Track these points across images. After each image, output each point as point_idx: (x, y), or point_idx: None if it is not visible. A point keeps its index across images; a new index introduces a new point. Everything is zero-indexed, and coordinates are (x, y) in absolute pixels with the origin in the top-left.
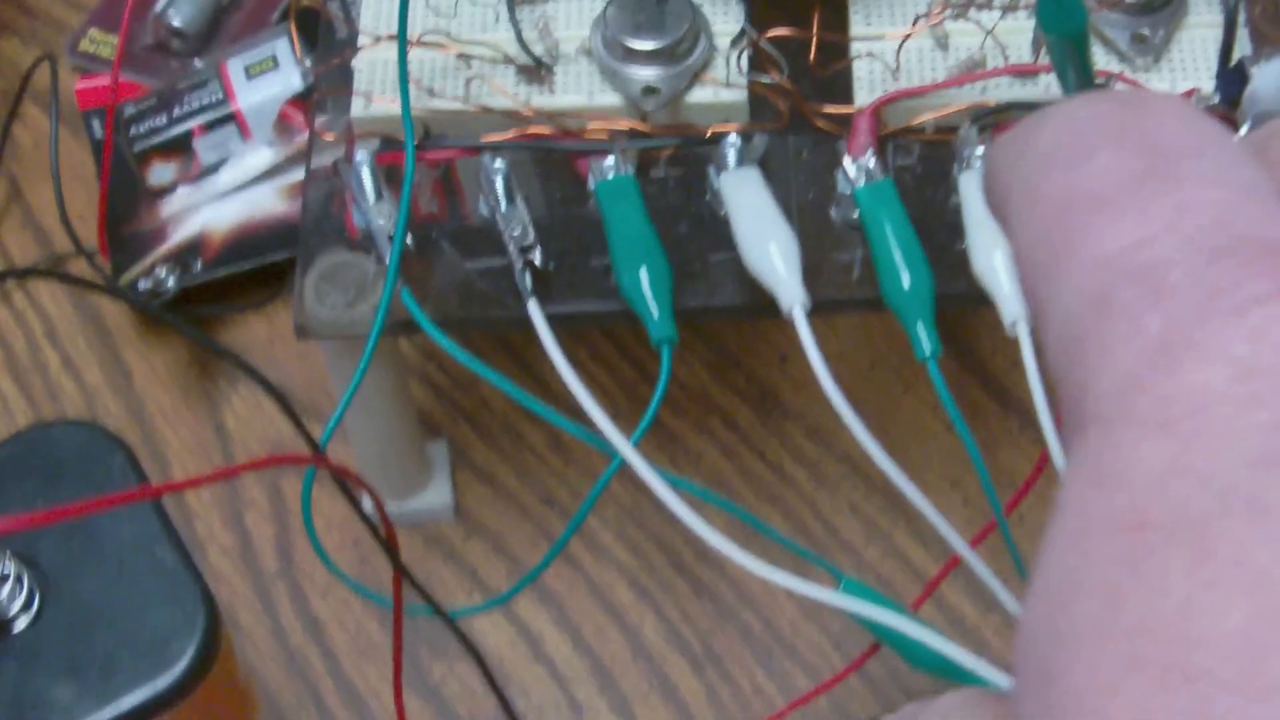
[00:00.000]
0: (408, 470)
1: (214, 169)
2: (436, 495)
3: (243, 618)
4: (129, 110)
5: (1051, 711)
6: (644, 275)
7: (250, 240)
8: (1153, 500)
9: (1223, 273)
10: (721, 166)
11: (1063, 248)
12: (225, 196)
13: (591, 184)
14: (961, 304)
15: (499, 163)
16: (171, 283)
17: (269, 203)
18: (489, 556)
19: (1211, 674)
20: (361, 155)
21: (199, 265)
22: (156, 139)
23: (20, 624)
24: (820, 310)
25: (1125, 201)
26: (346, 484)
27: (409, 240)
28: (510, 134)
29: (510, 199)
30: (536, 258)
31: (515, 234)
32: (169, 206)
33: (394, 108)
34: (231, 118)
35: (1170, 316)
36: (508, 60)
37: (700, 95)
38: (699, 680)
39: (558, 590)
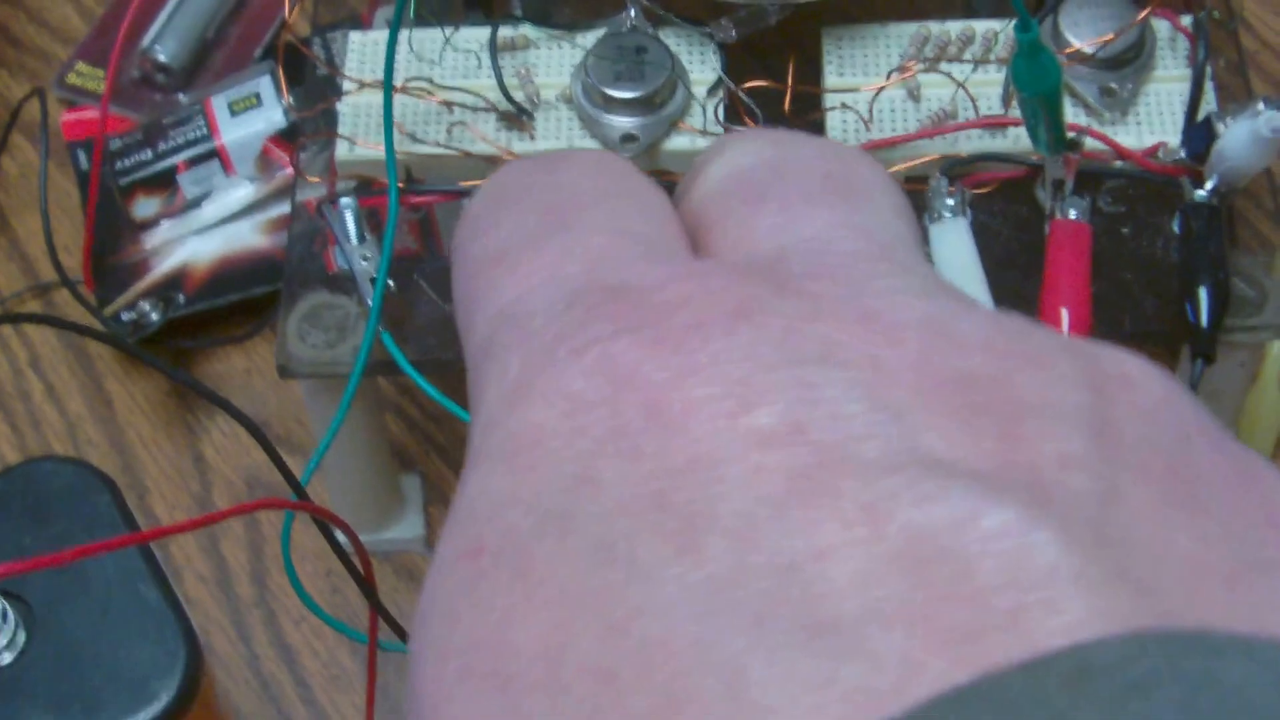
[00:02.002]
0: (382, 503)
1: (197, 203)
2: (409, 528)
3: (218, 644)
4: (115, 144)
5: None
6: None
7: (232, 274)
8: (488, 528)
9: (573, 317)
10: None
11: (471, 302)
12: (208, 231)
13: None
14: None
15: None
16: (155, 316)
17: (250, 237)
18: None
19: (521, 678)
20: (346, 199)
21: (182, 299)
22: (141, 173)
23: (5, 658)
24: None
25: (518, 257)
26: (325, 523)
27: (391, 282)
28: None
29: None
30: None
31: None
32: (153, 239)
33: (377, 151)
34: (215, 153)
35: (525, 360)
36: (489, 107)
37: (678, 143)
38: None
39: None
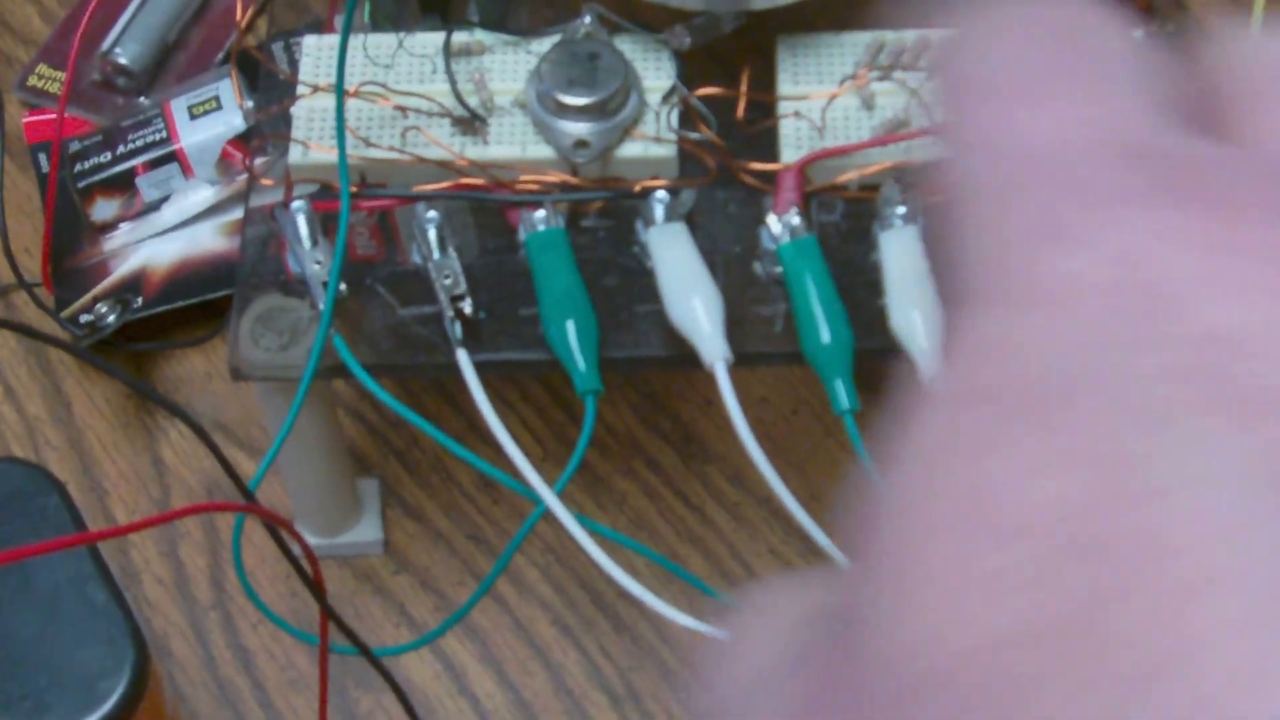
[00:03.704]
0: (339, 507)
1: (156, 206)
2: (367, 531)
3: (175, 647)
4: (74, 146)
5: (871, 572)
6: (571, 328)
7: (190, 277)
8: (1008, 372)
9: (1117, 173)
10: (649, 221)
11: (971, 134)
12: (166, 234)
13: (522, 235)
14: (881, 358)
15: (432, 212)
16: (112, 319)
17: (209, 241)
18: (416, 591)
19: (1032, 532)
20: (298, 203)
21: (139, 301)
22: (100, 175)
23: None
24: (742, 363)
25: (1036, 93)
26: (276, 528)
27: (343, 286)
28: (444, 184)
29: (442, 248)
30: (467, 307)
31: (446, 283)
32: (111, 242)
33: (331, 156)
34: (174, 156)
35: (1057, 206)
36: (444, 112)
37: (631, 150)
38: (618, 716)
39: (483, 626)
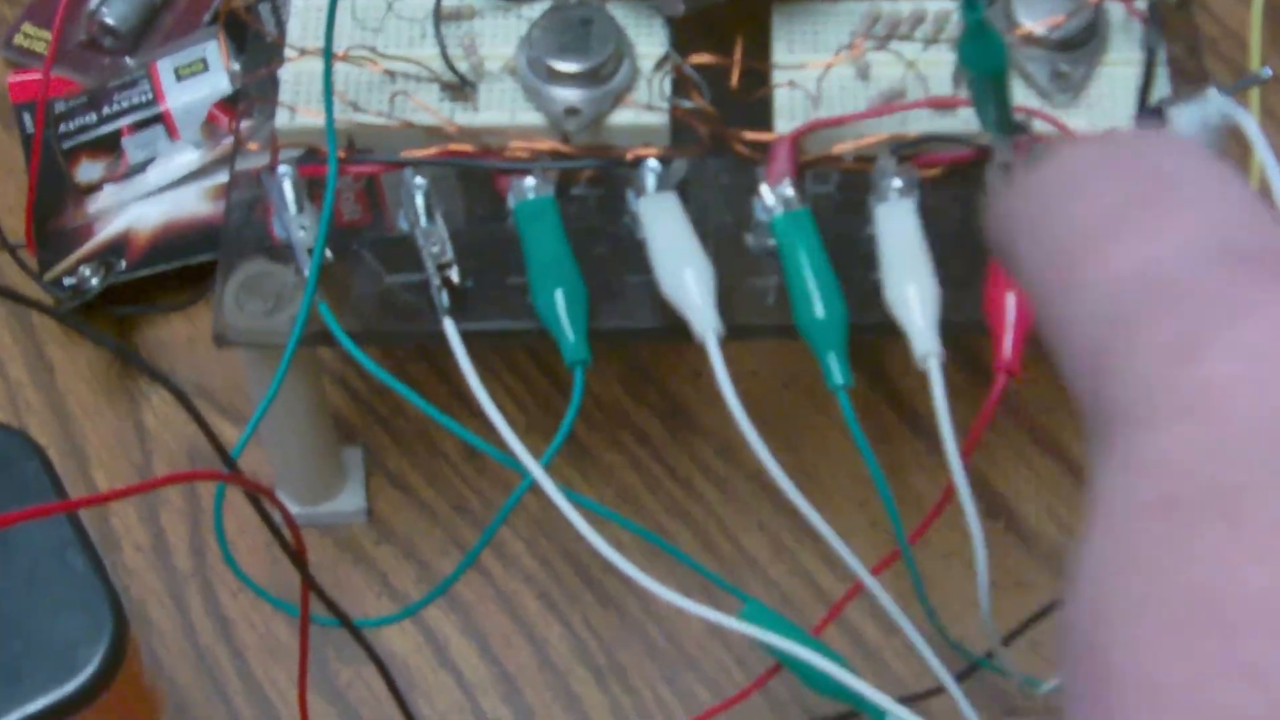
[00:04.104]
0: (323, 475)
1: (141, 168)
2: (350, 500)
3: (154, 615)
4: (59, 107)
5: (1097, 682)
6: (559, 298)
7: (175, 241)
8: (1184, 480)
9: (1228, 279)
10: (640, 190)
11: (1076, 271)
12: (151, 196)
13: (511, 203)
14: (875, 334)
15: (419, 179)
16: (95, 282)
17: (194, 204)
18: (399, 561)
19: (1245, 624)
20: (284, 167)
21: (123, 265)
22: (85, 136)
23: None
24: (734, 336)
25: (1131, 223)
26: (257, 497)
27: (329, 252)
28: (432, 150)
29: (430, 215)
30: (454, 275)
31: (433, 250)
32: (96, 204)
33: (318, 120)
34: (160, 118)
35: (1184, 320)
36: (433, 77)
37: (622, 117)
38: (603, 692)
39: (466, 598)
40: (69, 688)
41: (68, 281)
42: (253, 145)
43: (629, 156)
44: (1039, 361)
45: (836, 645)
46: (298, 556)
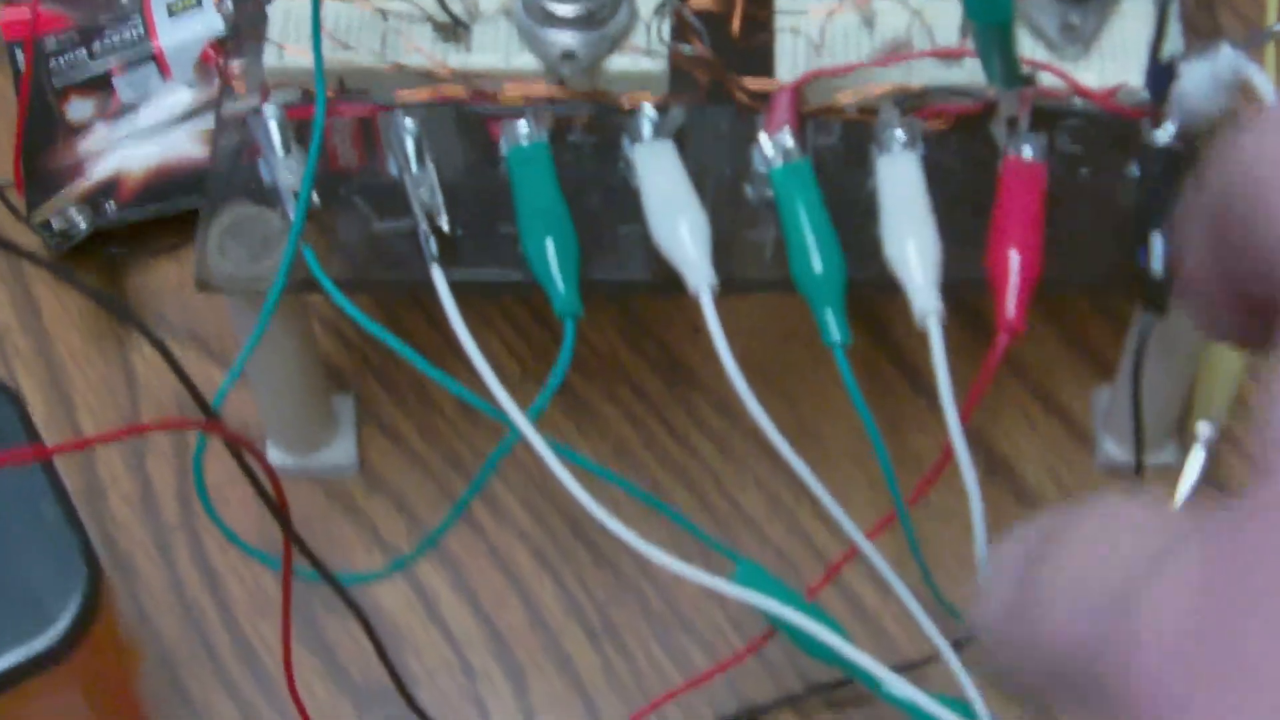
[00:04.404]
0: (312, 424)
1: (133, 108)
2: (341, 451)
3: (141, 566)
4: (50, 44)
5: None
6: (550, 247)
7: (166, 184)
8: None
9: None
10: (636, 138)
11: None
12: (142, 137)
13: (504, 149)
14: (874, 289)
15: (410, 122)
16: (83, 224)
17: (186, 146)
18: (390, 514)
19: None
20: (269, 107)
21: (113, 207)
22: (76, 74)
23: None
24: (729, 290)
25: None
26: (239, 449)
27: (317, 197)
28: (424, 93)
29: (420, 161)
30: (444, 222)
31: (423, 197)
32: (86, 144)
33: (307, 59)
34: (152, 57)
35: None
36: (426, 17)
37: (620, 63)
38: (595, 652)
39: (457, 553)
40: (41, 643)
41: (56, 224)
42: (241, 85)
43: (625, 103)
44: (1043, 320)
45: (833, 608)
46: (278, 509)
